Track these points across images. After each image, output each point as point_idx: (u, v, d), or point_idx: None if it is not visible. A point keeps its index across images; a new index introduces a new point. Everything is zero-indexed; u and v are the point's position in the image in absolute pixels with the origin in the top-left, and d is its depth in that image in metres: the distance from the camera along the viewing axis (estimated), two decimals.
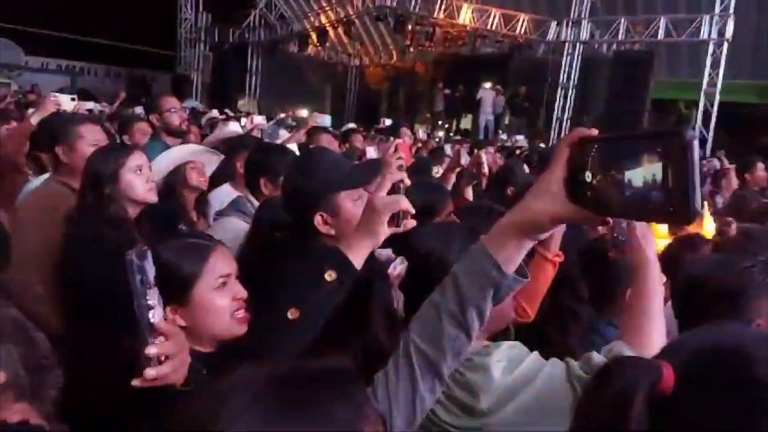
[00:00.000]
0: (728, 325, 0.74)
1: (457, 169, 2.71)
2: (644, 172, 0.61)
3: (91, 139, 2.15)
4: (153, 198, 1.95)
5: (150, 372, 0.85)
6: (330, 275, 1.09)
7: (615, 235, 1.25)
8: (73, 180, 2.04)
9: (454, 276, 0.84)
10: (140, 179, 1.90)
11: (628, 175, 0.62)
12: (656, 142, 0.60)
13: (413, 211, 1.14)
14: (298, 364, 0.61)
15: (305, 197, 1.37)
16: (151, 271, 0.85)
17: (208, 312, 1.15)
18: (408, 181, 1.28)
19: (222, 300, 1.16)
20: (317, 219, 1.35)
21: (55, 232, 1.93)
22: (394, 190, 1.17)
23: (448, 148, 6.40)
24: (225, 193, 2.68)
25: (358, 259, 1.12)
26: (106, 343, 1.30)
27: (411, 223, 1.14)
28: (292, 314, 1.07)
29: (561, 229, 1.71)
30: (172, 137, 2.99)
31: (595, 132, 0.71)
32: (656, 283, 1.18)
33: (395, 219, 1.12)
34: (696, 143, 0.58)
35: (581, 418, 0.61)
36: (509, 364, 1.02)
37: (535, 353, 1.06)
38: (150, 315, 0.86)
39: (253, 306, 1.20)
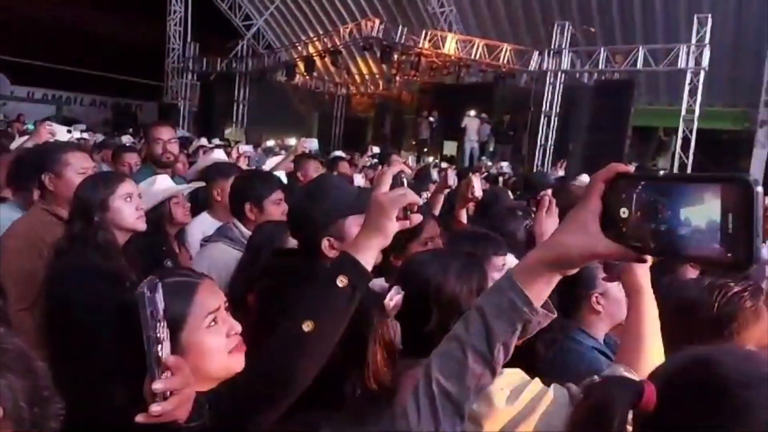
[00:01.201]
0: (709, 347, 0.76)
1: (446, 191, 2.71)
2: (700, 216, 0.60)
3: (78, 166, 2.13)
4: (142, 226, 1.93)
5: (155, 408, 0.83)
6: (342, 281, 1.04)
7: None
8: (60, 208, 2.03)
9: (480, 311, 0.80)
10: (130, 207, 1.88)
11: (683, 215, 0.61)
12: (717, 186, 0.59)
13: (420, 202, 1.09)
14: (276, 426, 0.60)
15: (313, 222, 1.38)
16: (161, 303, 0.83)
17: (203, 355, 1.05)
18: (408, 170, 1.27)
19: (215, 340, 1.07)
20: (324, 243, 1.36)
21: (41, 261, 1.90)
22: (396, 183, 1.12)
23: (434, 173, 6.45)
24: (204, 222, 2.69)
25: (368, 260, 1.07)
26: (94, 374, 1.27)
27: (417, 217, 1.10)
28: (307, 326, 1.02)
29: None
30: (158, 166, 2.99)
31: (632, 169, 0.70)
32: (650, 305, 1.17)
33: (403, 213, 1.07)
34: (761, 190, 0.57)
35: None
36: (512, 392, 1.02)
37: (536, 380, 1.06)
38: (158, 348, 0.83)
39: (260, 330, 1.17)
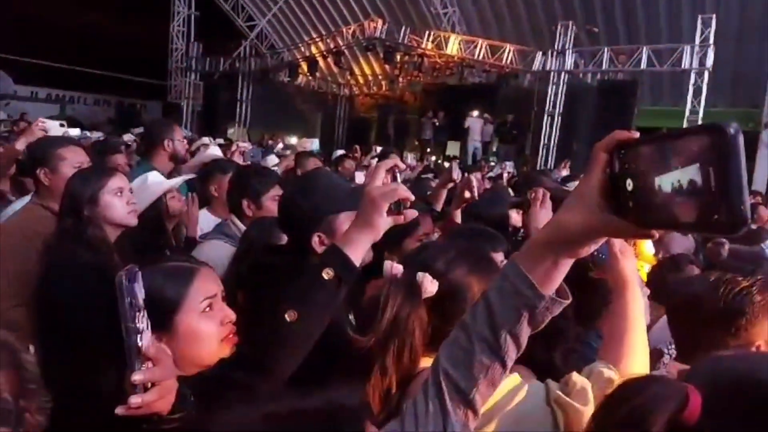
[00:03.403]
0: (755, 355, 0.69)
1: (449, 185, 2.68)
2: (679, 177, 0.53)
3: (74, 161, 2.12)
4: (133, 221, 1.91)
5: (135, 399, 0.81)
6: (328, 273, 1.03)
7: (595, 253, 1.20)
8: (55, 204, 2.01)
9: (485, 297, 0.77)
10: (120, 202, 1.86)
11: (659, 180, 0.55)
12: (692, 141, 0.52)
13: (413, 198, 1.07)
14: (294, 402, 0.58)
15: (304, 217, 1.35)
16: (140, 293, 0.81)
17: (195, 340, 1.06)
18: (402, 165, 1.25)
19: (209, 326, 1.08)
20: (314, 239, 1.33)
21: (35, 256, 1.88)
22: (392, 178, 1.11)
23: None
24: (203, 219, 2.67)
25: (357, 254, 1.05)
26: (83, 369, 1.25)
27: (411, 212, 1.08)
28: (290, 316, 1.02)
29: None
30: (174, 162, 3.04)
31: (636, 134, 0.62)
32: (636, 301, 1.13)
33: (395, 209, 1.05)
34: (741, 138, 0.49)
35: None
36: None
37: (515, 374, 1.02)
38: (137, 339, 0.81)
39: (248, 320, 1.15)
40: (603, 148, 0.64)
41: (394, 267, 1.09)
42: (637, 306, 1.12)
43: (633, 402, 0.54)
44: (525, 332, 0.74)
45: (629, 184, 0.60)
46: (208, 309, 1.08)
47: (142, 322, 0.82)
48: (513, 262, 0.74)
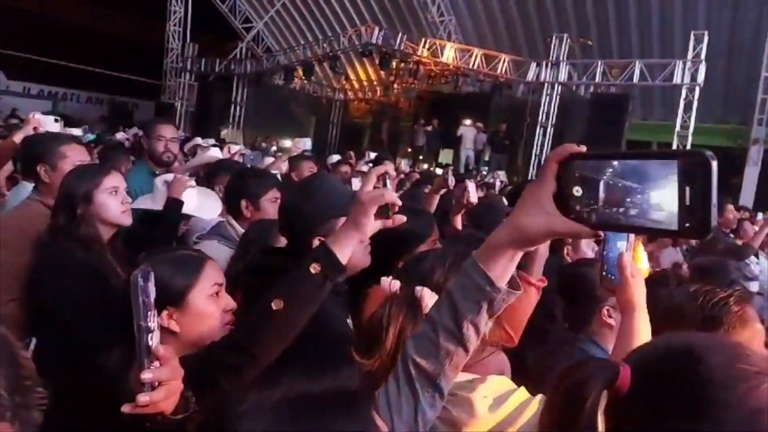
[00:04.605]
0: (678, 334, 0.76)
1: (442, 191, 2.69)
2: (656, 190, 0.63)
3: (74, 159, 2.12)
4: (127, 221, 1.91)
5: (143, 398, 0.82)
6: (314, 268, 1.09)
7: (604, 274, 1.20)
8: (54, 200, 2.02)
9: (449, 293, 0.86)
10: (115, 201, 1.86)
11: (636, 190, 0.65)
12: (674, 161, 0.62)
13: (400, 203, 1.13)
14: (310, 386, 0.62)
15: (305, 220, 1.38)
16: (152, 293, 0.82)
17: (202, 317, 1.18)
18: (393, 172, 1.28)
19: (215, 309, 1.20)
20: (314, 243, 1.35)
21: (31, 252, 1.89)
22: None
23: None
24: (204, 219, 2.67)
25: (344, 252, 1.12)
26: (73, 365, 1.26)
27: (400, 218, 1.14)
28: (276, 305, 1.08)
29: (544, 254, 1.73)
30: (157, 164, 2.96)
31: (584, 148, 0.73)
32: (643, 323, 1.16)
33: (383, 213, 1.12)
34: (716, 164, 0.61)
35: (544, 416, 0.64)
36: (495, 400, 1.01)
37: (522, 389, 1.05)
38: (149, 338, 0.83)
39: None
40: (555, 158, 0.74)
41: (392, 284, 1.13)
42: (643, 328, 1.14)
43: (572, 377, 0.61)
44: (484, 321, 0.84)
45: (577, 191, 0.71)
46: (215, 295, 1.21)
47: (153, 321, 0.83)
48: (473, 260, 0.84)
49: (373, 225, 1.12)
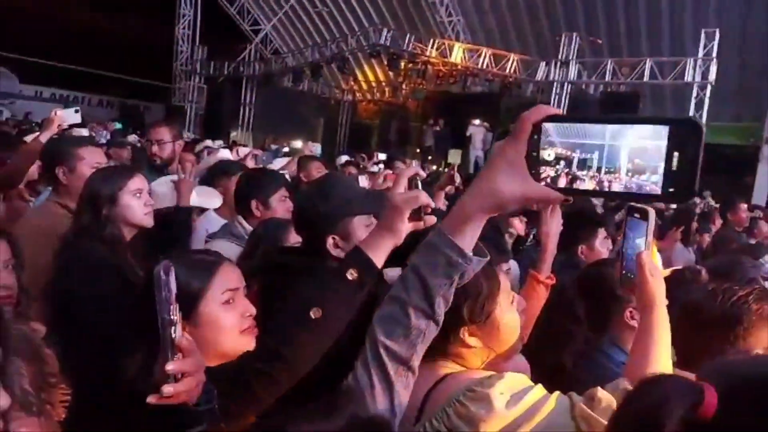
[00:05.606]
0: (764, 356, 0.69)
1: (448, 188, 2.71)
2: (640, 155, 0.63)
3: (91, 161, 2.15)
4: (149, 222, 1.94)
5: (167, 388, 0.83)
6: (352, 274, 1.07)
7: (623, 272, 1.16)
8: (72, 202, 2.04)
9: (416, 270, 0.84)
10: (139, 203, 1.89)
11: (619, 154, 0.64)
12: (666, 127, 0.62)
13: (433, 205, 1.12)
14: (345, 422, 0.63)
15: (320, 219, 1.38)
16: (174, 286, 0.84)
17: (216, 329, 1.12)
18: (423, 174, 1.28)
19: (229, 316, 1.13)
20: (329, 242, 1.36)
21: (48, 252, 1.92)
22: (411, 185, 1.15)
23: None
24: (211, 220, 2.69)
25: (379, 257, 1.09)
26: (96, 362, 1.28)
27: (431, 219, 1.12)
28: (314, 313, 1.05)
29: (552, 252, 1.73)
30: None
31: (560, 111, 0.72)
32: (663, 321, 1.13)
33: (416, 215, 1.10)
34: (705, 130, 0.62)
35: None
36: (512, 396, 1.00)
37: (539, 386, 1.04)
38: (172, 330, 0.84)
39: (260, 325, 1.19)
40: (530, 120, 0.71)
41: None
42: (663, 326, 1.12)
43: (647, 399, 0.53)
44: (453, 291, 0.83)
45: (549, 155, 0.70)
46: (230, 301, 1.14)
47: (176, 314, 0.85)
48: (440, 232, 0.81)
49: (406, 227, 1.10)
